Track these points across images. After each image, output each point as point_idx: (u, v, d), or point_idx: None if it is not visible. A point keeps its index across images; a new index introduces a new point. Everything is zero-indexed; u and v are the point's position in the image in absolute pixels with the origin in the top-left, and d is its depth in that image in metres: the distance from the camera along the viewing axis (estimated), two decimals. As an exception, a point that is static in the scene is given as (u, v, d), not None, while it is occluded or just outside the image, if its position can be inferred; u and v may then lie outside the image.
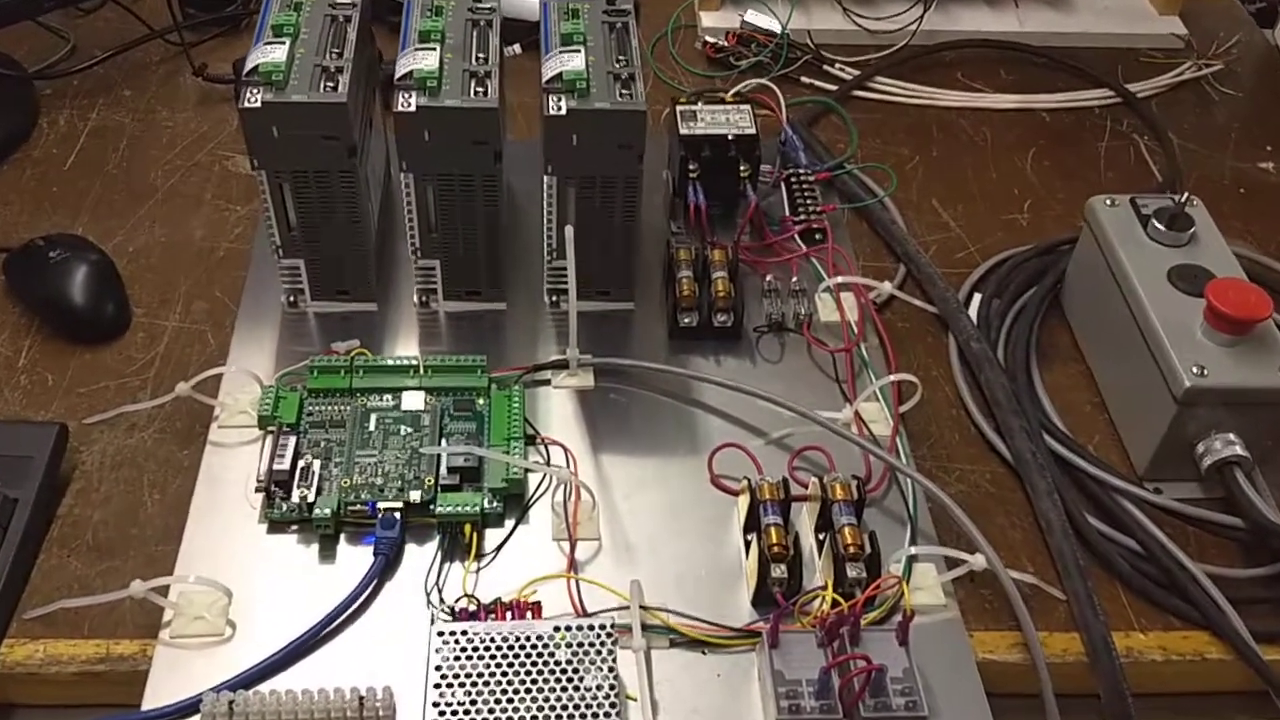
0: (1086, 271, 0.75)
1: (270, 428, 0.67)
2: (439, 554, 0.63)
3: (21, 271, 0.77)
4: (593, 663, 0.55)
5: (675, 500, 0.66)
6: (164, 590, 0.59)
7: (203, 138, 0.91)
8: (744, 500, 0.64)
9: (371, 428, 0.67)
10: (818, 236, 0.81)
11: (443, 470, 0.65)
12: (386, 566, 0.62)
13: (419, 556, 0.63)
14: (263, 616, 0.60)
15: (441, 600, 0.60)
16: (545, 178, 0.69)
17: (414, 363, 0.70)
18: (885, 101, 0.97)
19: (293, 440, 0.66)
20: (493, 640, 0.55)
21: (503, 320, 0.77)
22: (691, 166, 0.79)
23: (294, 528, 0.64)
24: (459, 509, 0.63)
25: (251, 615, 0.60)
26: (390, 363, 0.70)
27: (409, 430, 0.67)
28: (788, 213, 0.83)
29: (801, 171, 0.85)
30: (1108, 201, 0.74)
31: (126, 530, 0.64)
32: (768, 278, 0.77)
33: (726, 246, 0.75)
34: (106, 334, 0.75)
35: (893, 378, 0.69)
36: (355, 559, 0.62)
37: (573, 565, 0.62)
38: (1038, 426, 0.68)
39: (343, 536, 0.64)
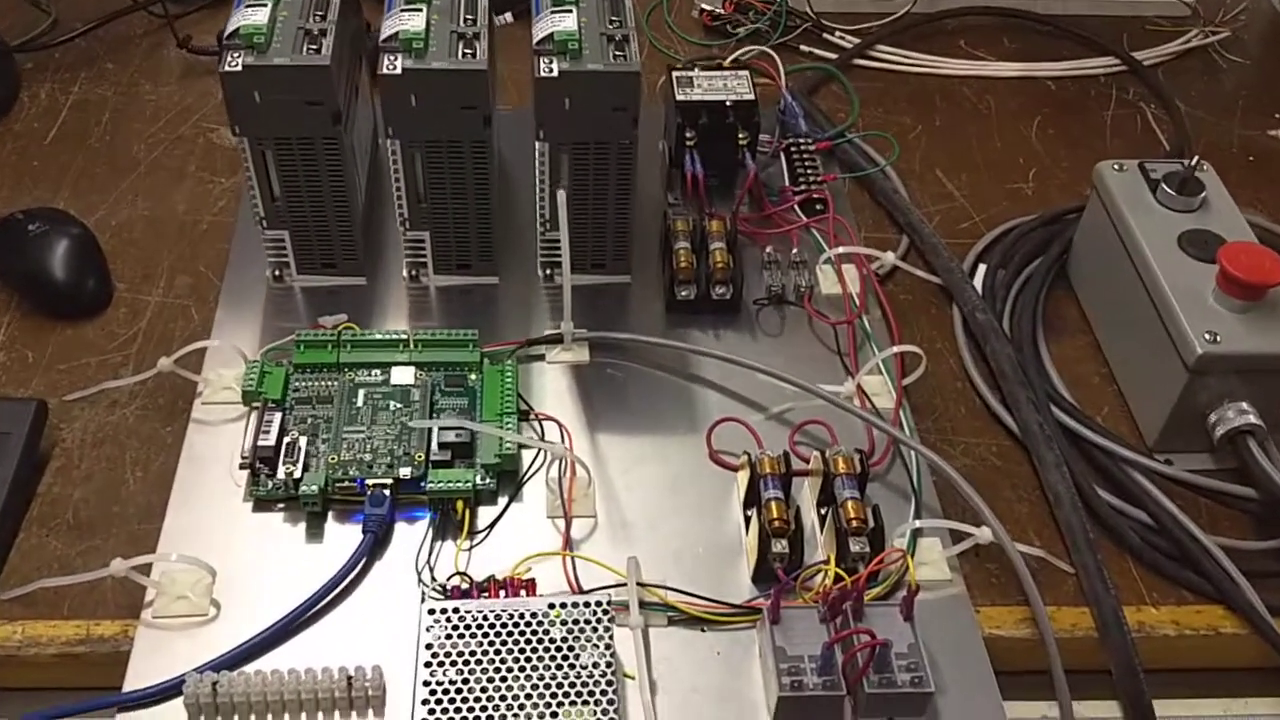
0: (1094, 239, 0.73)
1: (255, 404, 0.65)
2: (430, 532, 0.61)
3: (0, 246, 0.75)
4: (589, 640, 0.53)
5: (673, 476, 0.64)
6: (146, 569, 0.57)
7: (186, 110, 0.89)
8: (744, 475, 0.62)
9: (360, 403, 0.65)
10: (818, 207, 0.79)
11: (434, 446, 0.63)
12: (376, 545, 0.60)
13: (409, 535, 0.61)
14: (248, 596, 0.58)
15: (433, 579, 0.58)
16: (537, 144, 0.67)
17: (403, 337, 0.68)
18: (886, 70, 0.95)
19: (278, 416, 0.64)
20: (485, 618, 0.53)
21: (495, 295, 0.75)
22: (688, 134, 0.76)
23: (280, 506, 0.62)
24: (451, 485, 0.61)
25: (236, 595, 0.58)
26: (379, 337, 0.68)
27: (399, 406, 0.65)
28: (787, 183, 0.81)
29: (801, 141, 0.82)
30: (1116, 167, 0.72)
31: (108, 509, 0.63)
32: (767, 249, 0.75)
33: (724, 217, 0.73)
34: (88, 309, 0.73)
35: (896, 349, 0.67)
36: (343, 537, 0.61)
37: (568, 543, 0.60)
38: (1045, 398, 0.66)
39: (330, 515, 0.62)
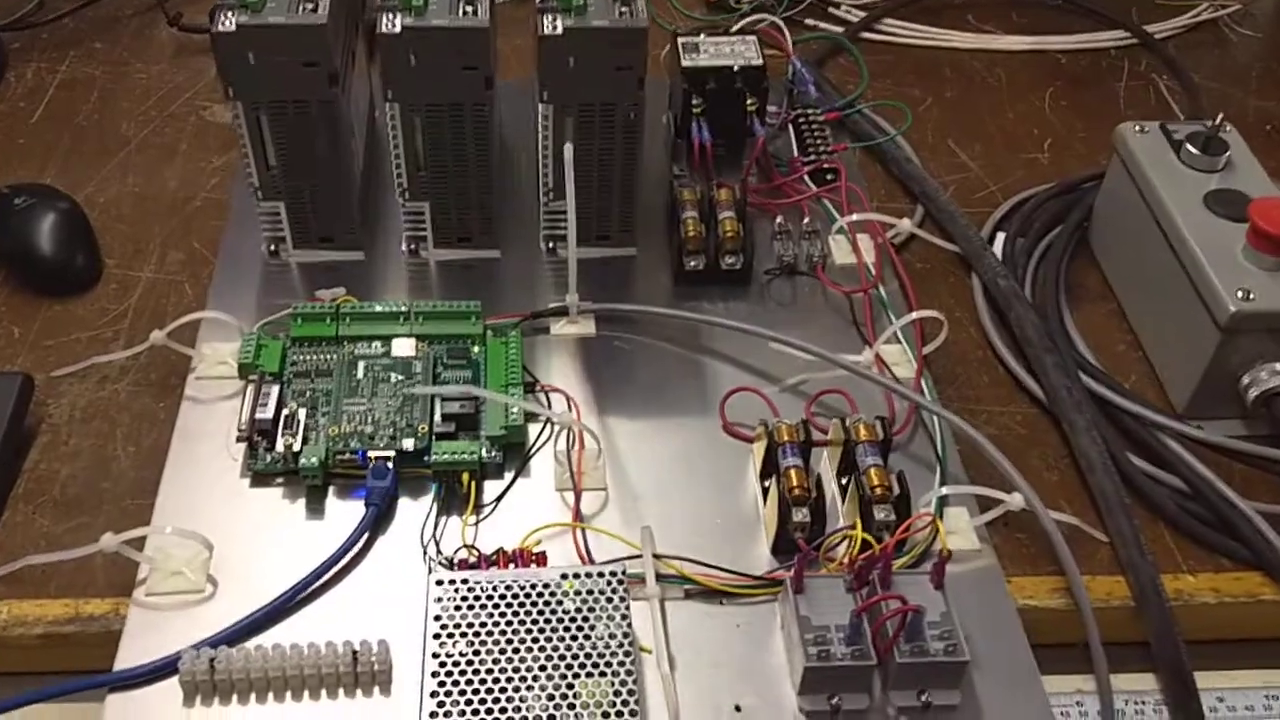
0: (1117, 204, 0.71)
1: (251, 377, 0.62)
2: (435, 506, 0.58)
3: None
4: (604, 611, 0.50)
5: (685, 449, 0.62)
6: (139, 545, 0.55)
7: (178, 89, 0.87)
8: (760, 445, 0.59)
9: (360, 375, 0.63)
10: (829, 177, 0.77)
11: (437, 418, 0.60)
12: (379, 519, 0.57)
13: (413, 510, 0.58)
14: (246, 572, 0.55)
15: (439, 552, 0.56)
16: (540, 106, 0.65)
17: (404, 309, 0.66)
18: (893, 43, 0.93)
19: (276, 389, 0.61)
20: (495, 589, 0.51)
21: (496, 269, 0.72)
22: (695, 101, 0.74)
23: (278, 481, 0.59)
24: (456, 457, 0.58)
25: (234, 571, 0.55)
26: (379, 309, 0.66)
27: (400, 378, 0.63)
28: (796, 154, 0.79)
29: (810, 111, 0.80)
30: (1137, 129, 0.70)
31: (97, 485, 0.60)
32: (778, 219, 0.73)
33: (733, 186, 0.71)
34: (76, 285, 0.71)
35: (916, 315, 0.64)
36: (345, 512, 0.58)
37: (578, 516, 0.58)
38: (1072, 364, 0.64)
39: (331, 490, 0.59)
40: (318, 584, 0.55)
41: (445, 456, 0.58)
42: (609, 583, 0.51)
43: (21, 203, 0.71)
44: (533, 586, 0.51)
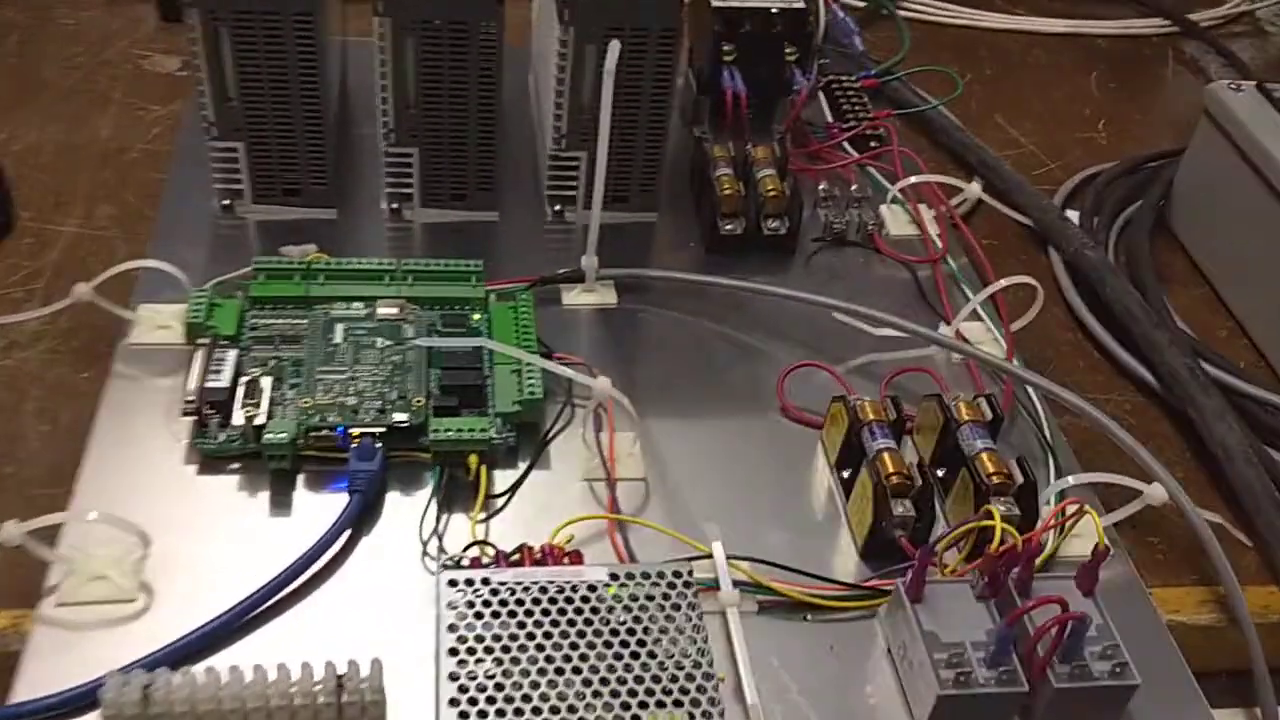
0: (1208, 175, 0.62)
1: (202, 340, 0.50)
2: (434, 498, 0.46)
3: None
4: (669, 623, 0.39)
5: (735, 435, 0.51)
6: (49, 539, 0.42)
7: (112, 35, 0.75)
8: (835, 429, 0.49)
9: (338, 339, 0.51)
10: (873, 144, 0.67)
11: (435, 389, 0.49)
12: (364, 511, 0.45)
13: (405, 503, 0.47)
14: (192, 577, 0.43)
15: (442, 551, 0.44)
16: (559, 28, 0.55)
17: (390, 267, 0.54)
18: (925, 20, 0.84)
19: (232, 354, 0.49)
20: (526, 590, 0.39)
21: (494, 234, 0.61)
22: (726, 48, 0.64)
23: (234, 466, 0.47)
24: (462, 435, 0.47)
25: (176, 575, 0.43)
26: (360, 265, 0.54)
27: (387, 343, 0.51)
28: (830, 120, 0.69)
29: (844, 78, 0.71)
30: (1231, 86, 0.61)
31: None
32: (821, 185, 0.63)
33: (771, 144, 0.61)
34: (-19, 237, 0.58)
35: (1005, 281, 0.54)
36: (319, 504, 0.46)
37: (615, 509, 0.47)
38: (1186, 343, 0.55)
39: (301, 478, 0.47)
40: (287, 591, 0.43)
41: (449, 434, 0.47)
42: (673, 586, 0.40)
43: (-83, 138, 0.59)
44: (573, 589, 0.40)
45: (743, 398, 0.53)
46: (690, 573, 0.41)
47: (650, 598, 0.40)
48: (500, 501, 0.47)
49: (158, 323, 0.53)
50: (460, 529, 0.46)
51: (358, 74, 0.69)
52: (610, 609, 0.39)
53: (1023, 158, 0.71)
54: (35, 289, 0.56)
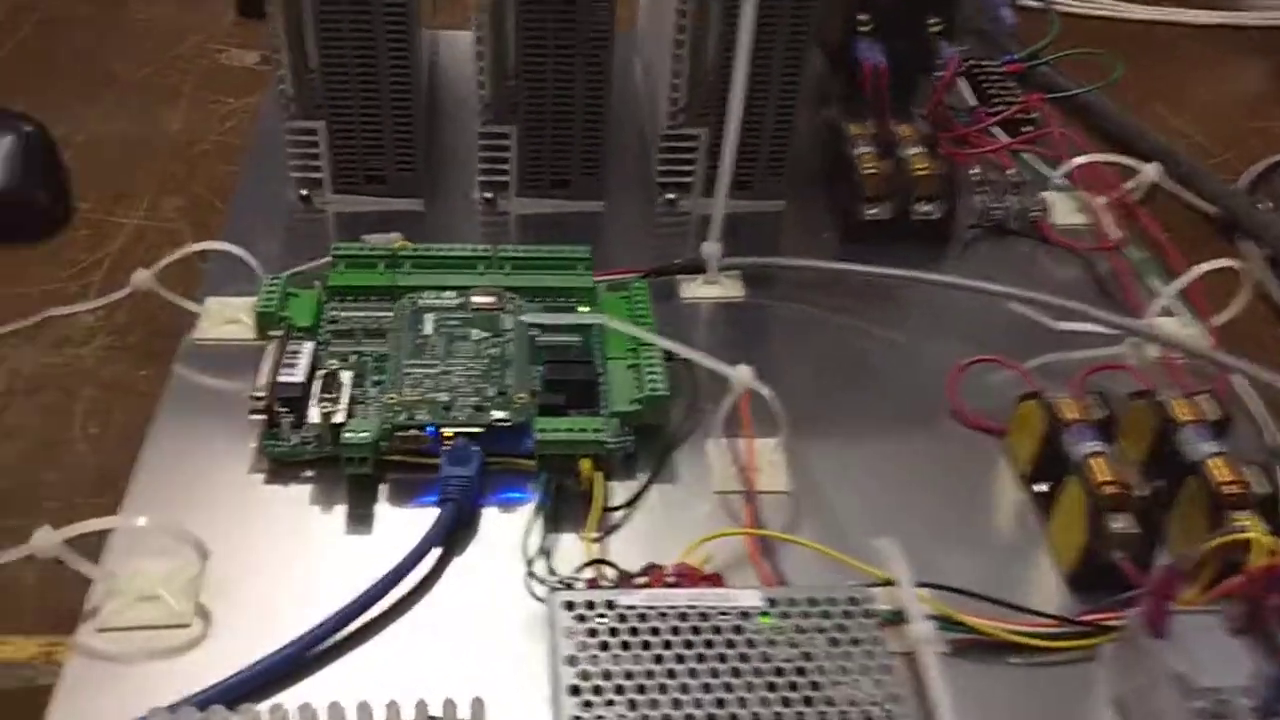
0: None
1: (274, 333, 0.43)
2: (541, 510, 0.39)
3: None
4: (847, 659, 0.31)
5: (895, 444, 0.43)
6: (92, 549, 0.35)
7: (186, 30, 0.70)
8: (1025, 432, 0.41)
9: (428, 331, 0.44)
10: (1026, 129, 0.59)
11: (537, 386, 0.42)
12: (458, 523, 0.38)
13: (503, 518, 0.39)
14: (256, 599, 0.36)
15: (552, 572, 0.37)
16: (683, -17, 0.48)
17: (485, 254, 0.48)
18: (1067, 13, 0.77)
19: (309, 346, 0.43)
20: (662, 617, 0.31)
21: (598, 226, 0.54)
22: (862, 18, 0.57)
23: (308, 473, 0.40)
24: (572, 436, 0.39)
25: (238, 597, 0.36)
26: (450, 252, 0.48)
27: (483, 335, 0.44)
28: (975, 104, 0.62)
29: (986, 62, 0.64)
30: None
31: (38, 474, 0.41)
32: (973, 170, 0.55)
33: (916, 122, 0.54)
34: (34, 228, 0.53)
35: (1206, 266, 0.46)
36: (405, 519, 0.39)
37: (757, 526, 0.39)
38: None
39: (383, 488, 0.40)
40: (368, 616, 0.35)
41: (558, 435, 0.39)
42: (849, 616, 0.32)
43: (-29, 121, 0.54)
44: (721, 616, 0.32)
45: (901, 400, 0.45)
46: (869, 600, 0.33)
47: (820, 630, 0.32)
48: (617, 516, 0.39)
49: (226, 316, 0.46)
50: (571, 547, 0.38)
51: (448, 64, 0.64)
52: (770, 642, 0.31)
53: (1191, 149, 0.63)
54: (91, 283, 0.50)
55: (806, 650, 0.31)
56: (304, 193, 0.54)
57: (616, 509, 0.39)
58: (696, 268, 0.50)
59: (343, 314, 0.45)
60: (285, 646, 0.34)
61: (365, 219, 0.53)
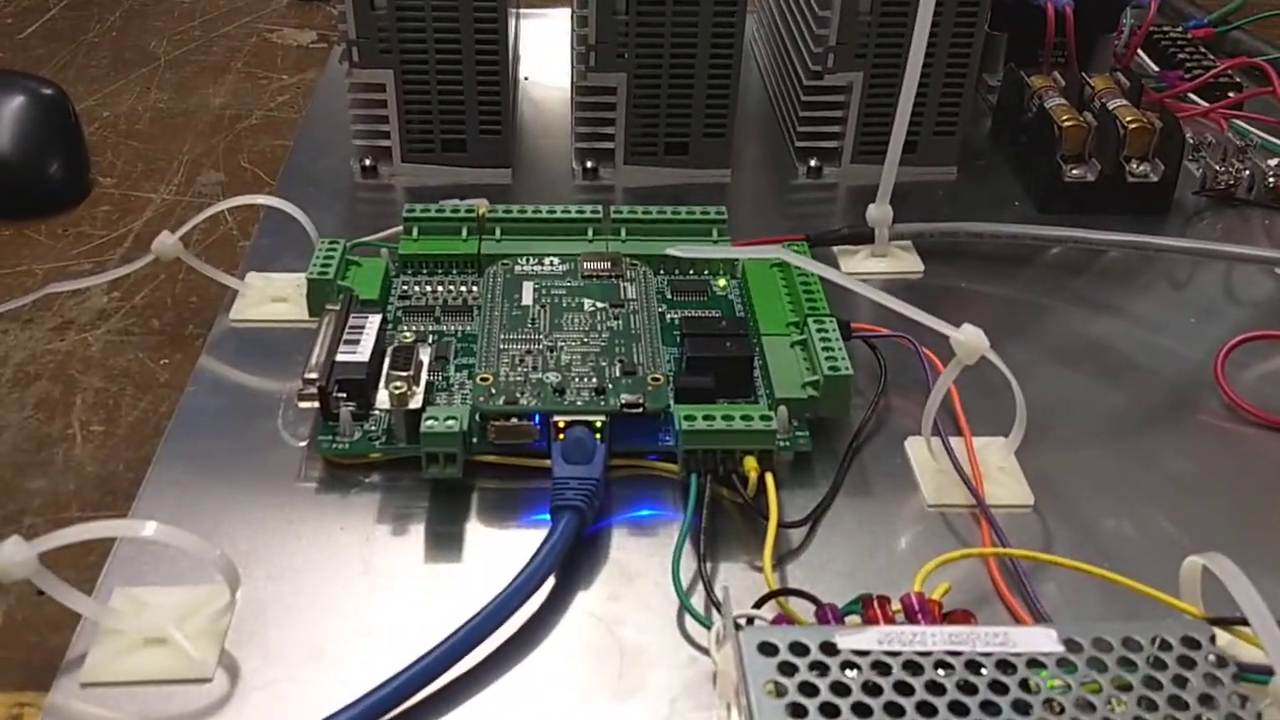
0: None
1: (331, 305, 0.33)
2: (692, 523, 0.28)
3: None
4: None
5: (1159, 443, 0.32)
6: (83, 575, 0.25)
7: (235, 12, 0.62)
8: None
9: (528, 300, 0.34)
10: (1229, 94, 0.49)
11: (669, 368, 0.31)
12: (579, 538, 0.28)
13: (640, 535, 0.29)
14: (303, 645, 0.26)
15: (715, 605, 0.26)
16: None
17: (594, 216, 0.38)
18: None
19: (375, 320, 0.33)
20: (910, 668, 0.21)
21: (724, 201, 0.44)
22: (1035, -38, 0.47)
23: (370, 475, 0.30)
24: (731, 427, 0.29)
25: (276, 642, 0.26)
26: (551, 213, 0.38)
27: (597, 305, 0.34)
28: (1160, 71, 0.52)
29: (1169, 29, 0.54)
30: None
31: (25, 480, 0.31)
32: (1187, 135, 0.45)
33: (1114, 73, 0.44)
34: (44, 201, 0.43)
35: None
36: (506, 538, 0.29)
37: (998, 543, 0.28)
38: None
39: (476, 494, 0.30)
40: (456, 671, 0.25)
41: (711, 426, 0.29)
42: (1188, 665, 0.21)
43: (-24, 80, 0.45)
44: (1001, 666, 0.21)
45: (1154, 391, 0.34)
46: (1213, 640, 0.22)
47: (1151, 682, 0.21)
48: (794, 535, 0.29)
49: (271, 294, 0.37)
50: (737, 577, 0.27)
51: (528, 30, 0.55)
52: (1083, 703, 0.20)
53: None
54: (107, 261, 0.40)
55: (1138, 714, 0.20)
56: (367, 162, 0.45)
57: (793, 526, 0.29)
58: (861, 237, 0.40)
59: (416, 289, 0.36)
60: (340, 712, 0.23)
61: (439, 194, 0.43)
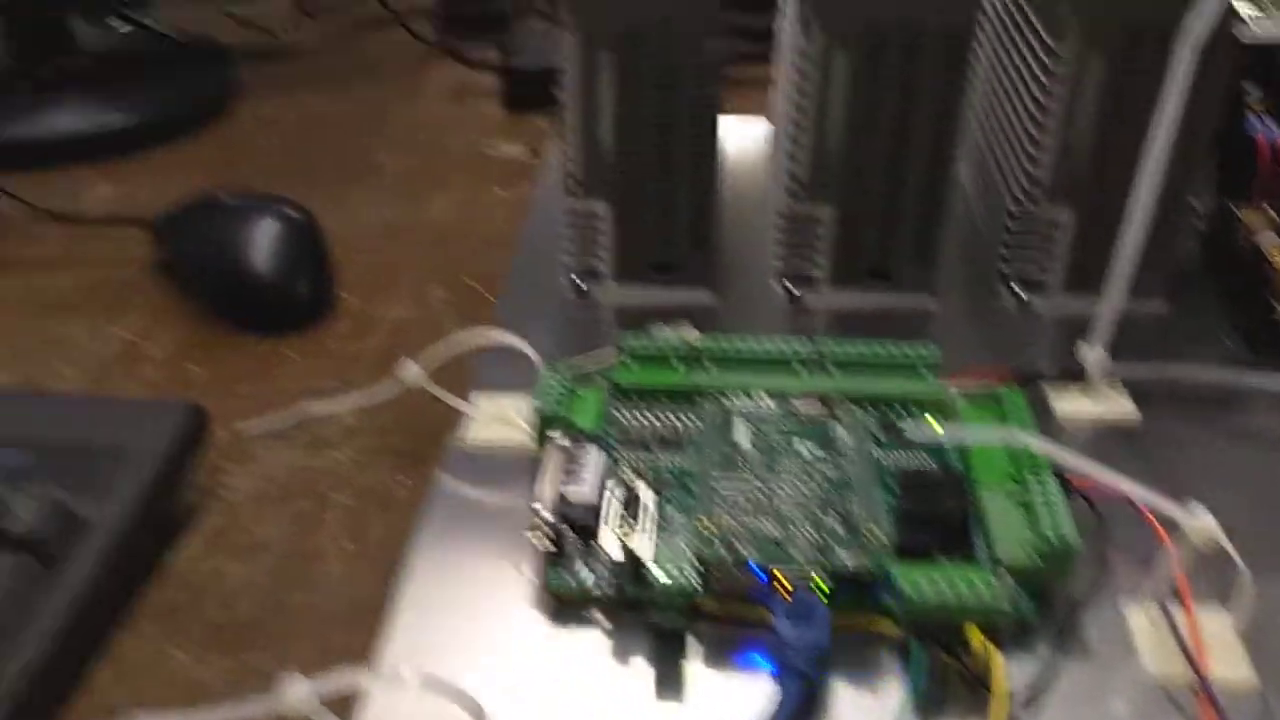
0: None
1: (554, 435, 0.36)
2: (917, 694, 0.29)
3: (178, 229, 0.50)
4: None
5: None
6: (344, 702, 0.28)
7: (452, 125, 0.66)
8: None
9: (742, 442, 0.35)
10: None
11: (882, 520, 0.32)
12: (809, 707, 0.29)
13: (856, 695, 0.30)
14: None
15: (943, 781, 0.27)
16: (1037, 23, 0.39)
17: (802, 352, 0.39)
18: None
19: (595, 453, 0.35)
20: None
21: (926, 329, 0.45)
22: (1251, 92, 0.47)
23: (589, 613, 0.32)
24: (957, 595, 0.30)
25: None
26: (760, 347, 0.39)
27: (814, 452, 0.35)
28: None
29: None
30: None
31: (286, 599, 0.34)
32: None
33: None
34: (295, 318, 0.47)
35: None
36: (725, 685, 0.30)
37: (1222, 727, 0.28)
38: None
39: (694, 639, 0.31)
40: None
41: (937, 593, 0.30)
42: None
43: (233, 204, 0.49)
44: None
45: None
46: None
47: None
48: (1020, 706, 0.29)
49: (498, 415, 0.39)
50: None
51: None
52: None
53: None
54: (352, 378, 0.43)
55: None
56: (580, 282, 0.47)
57: (1020, 693, 0.29)
58: (1071, 375, 0.40)
59: (631, 420, 0.37)
60: None
61: (646, 314, 0.45)
